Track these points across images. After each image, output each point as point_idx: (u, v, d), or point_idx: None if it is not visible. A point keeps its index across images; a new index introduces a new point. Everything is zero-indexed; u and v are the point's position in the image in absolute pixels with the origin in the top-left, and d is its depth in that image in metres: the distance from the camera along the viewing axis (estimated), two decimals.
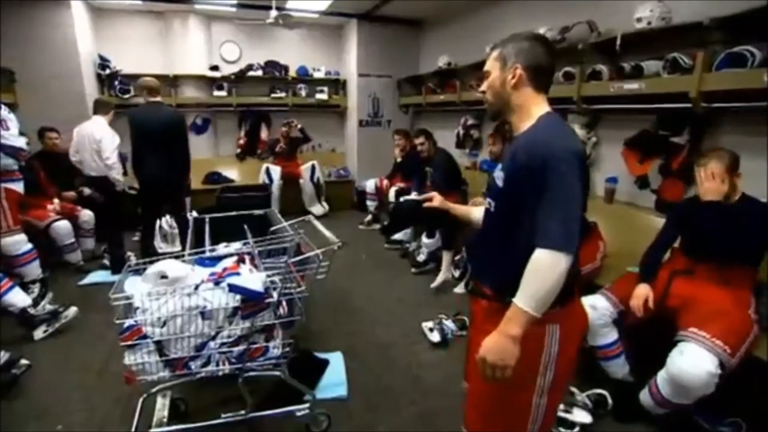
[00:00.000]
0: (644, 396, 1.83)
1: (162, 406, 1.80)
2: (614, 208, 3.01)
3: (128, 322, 1.53)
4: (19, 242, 2.90)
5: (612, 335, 2.02)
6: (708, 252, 1.87)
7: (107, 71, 5.06)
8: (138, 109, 3.52)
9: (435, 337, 2.57)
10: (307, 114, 6.13)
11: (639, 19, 2.53)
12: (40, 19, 4.43)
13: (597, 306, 2.00)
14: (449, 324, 2.63)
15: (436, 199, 1.45)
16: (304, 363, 2.24)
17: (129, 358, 1.55)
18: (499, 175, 1.11)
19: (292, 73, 5.93)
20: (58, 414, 1.93)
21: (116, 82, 5.08)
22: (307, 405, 1.82)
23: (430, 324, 2.67)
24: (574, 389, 1.98)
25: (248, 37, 5.78)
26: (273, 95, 5.81)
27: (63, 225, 3.48)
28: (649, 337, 1.94)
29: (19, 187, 2.86)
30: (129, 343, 1.53)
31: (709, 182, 1.83)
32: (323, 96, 6.03)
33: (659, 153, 2.67)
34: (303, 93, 5.96)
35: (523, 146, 1.04)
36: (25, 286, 2.87)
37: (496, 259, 1.13)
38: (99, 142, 3.52)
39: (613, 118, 3.09)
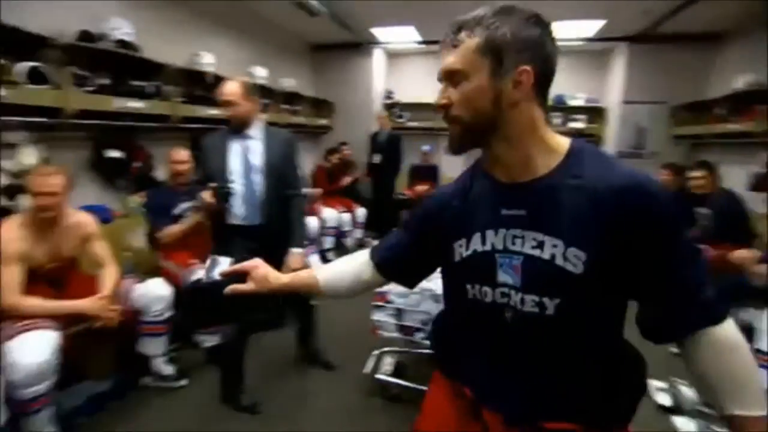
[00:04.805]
0: None
1: (389, 363, 2.26)
2: None
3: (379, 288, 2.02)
4: None
5: None
6: None
7: (390, 101, 6.41)
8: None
9: (665, 399, 2.18)
10: None
11: None
12: (350, 64, 6.11)
13: None
14: (687, 391, 2.17)
15: (257, 274, 0.94)
16: None
17: (375, 315, 2.04)
18: (566, 252, 0.68)
19: (549, 101, 5.93)
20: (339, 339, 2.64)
21: (395, 109, 6.37)
22: None
23: (660, 383, 2.28)
24: None
25: None
26: None
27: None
28: None
29: None
30: (378, 303, 2.02)
31: None
32: (578, 125, 5.84)
33: None
34: (557, 121, 5.93)
35: (614, 199, 0.66)
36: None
37: (572, 382, 0.74)
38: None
39: None
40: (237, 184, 2.00)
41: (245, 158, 2.01)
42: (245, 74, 4.21)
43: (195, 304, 2.17)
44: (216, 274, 1.87)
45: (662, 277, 0.68)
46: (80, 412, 1.99)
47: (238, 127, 2.01)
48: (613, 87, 5.53)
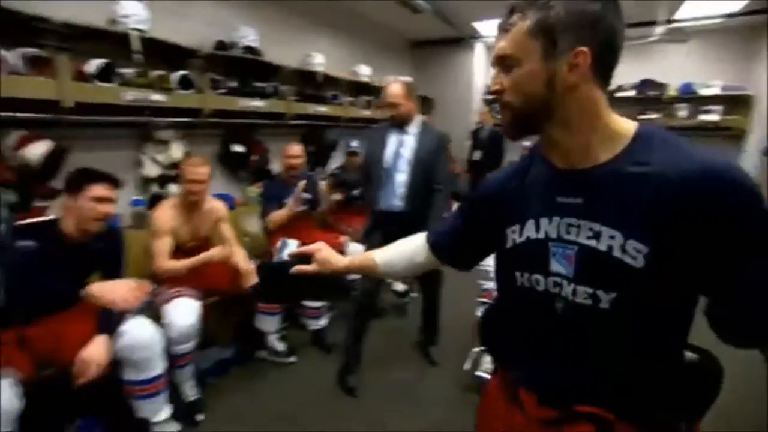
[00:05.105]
0: None
1: (488, 361, 2.20)
2: None
3: (486, 284, 1.98)
4: None
5: None
6: None
7: (491, 96, 6.21)
8: None
9: None
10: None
11: None
12: (450, 59, 6.05)
13: None
14: None
15: (320, 256, 0.99)
16: None
17: (478, 312, 2.00)
18: (626, 244, 0.62)
19: (673, 91, 5.28)
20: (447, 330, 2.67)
21: (496, 105, 6.11)
22: None
23: None
24: None
25: (623, 55, 5.60)
26: (640, 117, 5.41)
27: None
28: None
29: None
30: (483, 300, 1.98)
31: None
32: (712, 117, 5.07)
33: None
34: (683, 114, 5.23)
35: (685, 187, 0.59)
36: None
37: (619, 376, 0.68)
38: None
39: None
40: (385, 174, 2.21)
41: (397, 151, 2.21)
42: (350, 73, 4.41)
43: (266, 281, 2.37)
44: (285, 255, 2.01)
45: (750, 277, 0.58)
46: (210, 373, 2.28)
47: (399, 124, 2.22)
48: (763, 71, 4.68)
